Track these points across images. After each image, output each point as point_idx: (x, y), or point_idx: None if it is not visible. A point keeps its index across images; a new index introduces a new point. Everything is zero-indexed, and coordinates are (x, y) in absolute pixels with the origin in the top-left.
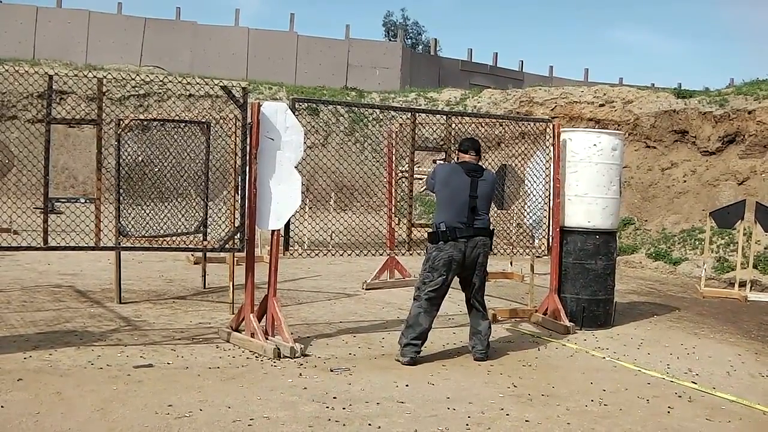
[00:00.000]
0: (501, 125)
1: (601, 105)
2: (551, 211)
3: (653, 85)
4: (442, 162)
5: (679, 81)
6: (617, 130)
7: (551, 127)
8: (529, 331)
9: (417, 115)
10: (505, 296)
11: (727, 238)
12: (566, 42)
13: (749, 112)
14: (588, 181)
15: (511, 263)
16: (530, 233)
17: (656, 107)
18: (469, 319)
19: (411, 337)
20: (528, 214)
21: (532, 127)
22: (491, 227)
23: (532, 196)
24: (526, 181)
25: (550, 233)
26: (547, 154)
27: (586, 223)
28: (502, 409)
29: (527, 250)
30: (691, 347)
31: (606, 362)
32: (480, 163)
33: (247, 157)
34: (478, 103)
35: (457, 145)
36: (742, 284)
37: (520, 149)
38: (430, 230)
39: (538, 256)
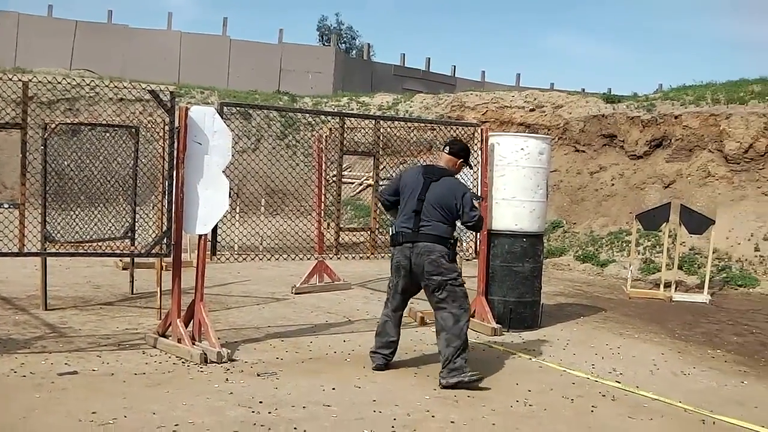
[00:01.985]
0: (432, 130)
1: (532, 110)
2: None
3: (583, 90)
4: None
5: (609, 86)
6: (547, 134)
7: (479, 131)
8: None
9: (349, 119)
10: None
11: (653, 239)
12: (498, 47)
13: (676, 117)
14: (515, 184)
15: None
16: (458, 236)
17: (585, 112)
18: None
19: (377, 345)
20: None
21: (461, 132)
22: (448, 235)
23: None
24: None
25: (478, 236)
26: (475, 158)
27: (514, 226)
28: (428, 411)
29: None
30: (616, 347)
31: (532, 363)
32: (455, 166)
33: (175, 162)
34: (411, 107)
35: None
36: (668, 285)
37: None
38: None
39: (466, 259)
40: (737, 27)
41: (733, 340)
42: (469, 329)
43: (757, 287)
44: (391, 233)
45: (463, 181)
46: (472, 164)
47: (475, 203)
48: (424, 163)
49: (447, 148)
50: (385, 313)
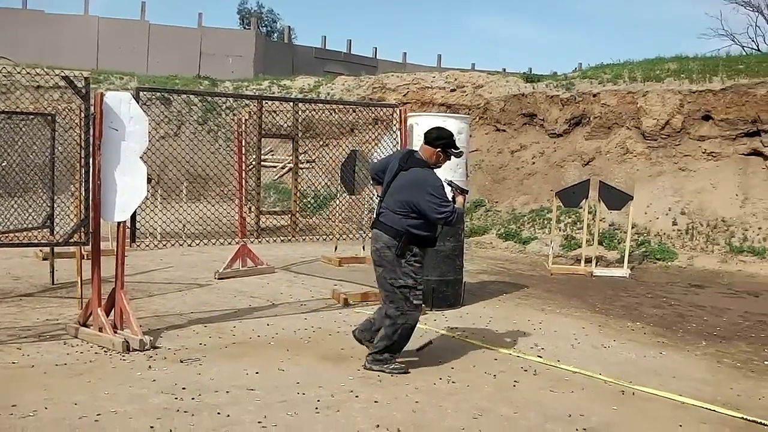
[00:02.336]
0: (354, 112)
1: (453, 90)
2: None
3: (504, 70)
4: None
5: (530, 66)
6: (468, 114)
7: (398, 112)
8: None
9: (271, 103)
10: (358, 280)
11: (573, 216)
12: (420, 29)
13: (594, 95)
14: None
15: (363, 247)
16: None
17: (506, 91)
18: None
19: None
20: (376, 198)
21: (383, 113)
22: (400, 227)
23: None
24: None
25: None
26: (394, 139)
27: None
28: (352, 392)
29: None
30: (537, 323)
31: (455, 341)
32: (433, 157)
33: (91, 149)
34: (332, 90)
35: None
36: (588, 260)
37: (373, 135)
38: None
39: None
40: (655, 6)
41: (652, 313)
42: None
43: (675, 260)
44: None
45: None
46: (391, 144)
47: (456, 196)
48: (414, 148)
49: (425, 138)
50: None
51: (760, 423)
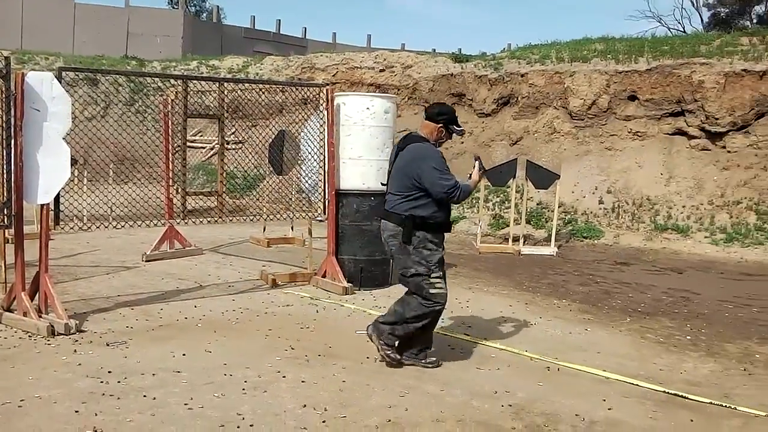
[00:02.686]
0: (283, 92)
1: (382, 70)
2: (326, 174)
3: (434, 50)
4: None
5: (460, 46)
6: (397, 94)
7: (325, 91)
8: (309, 294)
9: (198, 83)
10: (286, 261)
11: (502, 195)
12: (349, 9)
13: (522, 75)
14: (362, 144)
15: (292, 228)
16: (308, 197)
17: (435, 71)
18: None
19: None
20: (305, 178)
21: (311, 93)
22: (403, 211)
23: (308, 160)
24: (302, 146)
25: (326, 196)
26: (322, 119)
27: (361, 185)
28: (279, 372)
29: (305, 214)
30: (465, 301)
31: None
32: (434, 133)
33: (12, 130)
34: (261, 70)
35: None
36: (516, 239)
37: (302, 115)
38: None
39: (320, 221)
40: None
41: (578, 290)
42: (321, 289)
43: (601, 238)
44: None
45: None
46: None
47: (473, 174)
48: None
49: (425, 112)
50: None
51: (681, 396)
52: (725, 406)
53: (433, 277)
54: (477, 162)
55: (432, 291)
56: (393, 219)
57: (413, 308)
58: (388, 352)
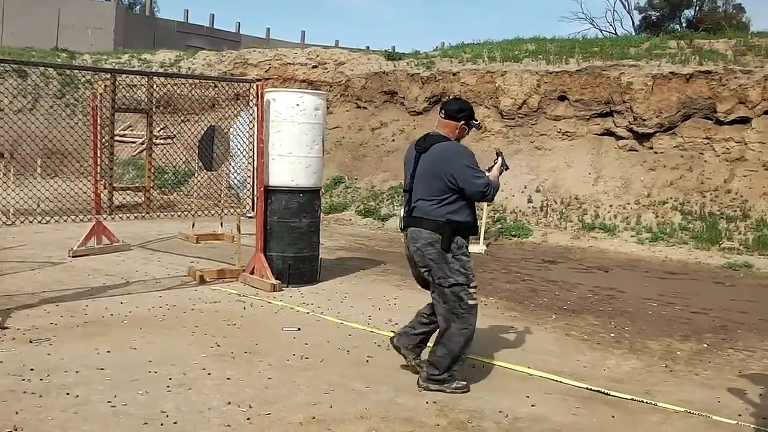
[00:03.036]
0: (215, 87)
1: (315, 67)
2: (255, 171)
3: (368, 47)
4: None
5: (394, 44)
6: (330, 91)
7: (255, 87)
8: (237, 291)
9: (129, 77)
10: (215, 257)
11: None
12: (284, 4)
13: (454, 74)
14: (291, 140)
15: (221, 224)
16: (237, 193)
17: (367, 69)
18: None
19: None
20: (234, 174)
21: (243, 89)
22: (438, 217)
23: (237, 156)
24: (231, 142)
25: (255, 193)
26: (251, 115)
27: (290, 181)
28: (204, 369)
29: (234, 211)
30: (393, 298)
31: (310, 317)
32: (455, 131)
33: None
34: (193, 64)
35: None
36: None
37: (234, 110)
38: None
39: (250, 217)
40: None
41: (505, 288)
42: (249, 286)
43: (529, 237)
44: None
45: (240, 134)
46: (248, 120)
47: (493, 169)
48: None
49: (442, 111)
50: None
51: (603, 392)
52: (646, 402)
53: (472, 287)
54: (500, 157)
55: (470, 302)
56: (428, 225)
57: (457, 339)
58: (458, 389)
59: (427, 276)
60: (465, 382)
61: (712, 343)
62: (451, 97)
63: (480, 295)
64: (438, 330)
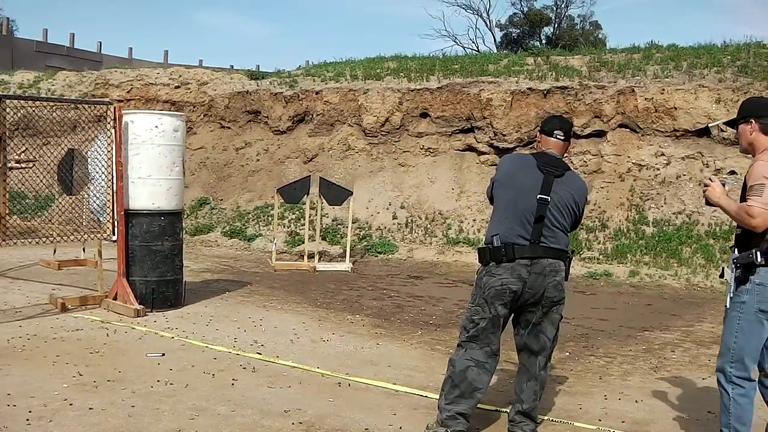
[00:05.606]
0: (76, 109)
1: (177, 87)
2: (115, 194)
3: (232, 66)
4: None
5: (258, 63)
6: (193, 111)
7: (112, 109)
8: (100, 318)
9: None
10: (77, 284)
11: (297, 212)
12: (146, 24)
13: (317, 93)
14: (151, 163)
15: (84, 249)
16: (97, 218)
17: (230, 88)
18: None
19: (467, 406)
20: (93, 198)
21: (95, 111)
22: (568, 250)
23: (96, 179)
24: (89, 165)
25: (115, 217)
26: (110, 137)
27: (151, 205)
28: (66, 400)
29: (95, 235)
30: (258, 319)
31: (174, 342)
32: (566, 156)
33: None
34: (53, 85)
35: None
36: (312, 256)
37: (95, 133)
38: (481, 246)
39: (113, 241)
40: (378, 5)
41: (372, 305)
42: (112, 312)
43: (395, 253)
44: (490, 246)
45: (99, 157)
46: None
47: None
48: (531, 151)
49: (559, 132)
50: (474, 359)
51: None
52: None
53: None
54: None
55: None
56: (562, 257)
57: (547, 367)
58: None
59: (554, 308)
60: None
61: (574, 351)
62: (549, 116)
63: (346, 313)
64: (534, 367)
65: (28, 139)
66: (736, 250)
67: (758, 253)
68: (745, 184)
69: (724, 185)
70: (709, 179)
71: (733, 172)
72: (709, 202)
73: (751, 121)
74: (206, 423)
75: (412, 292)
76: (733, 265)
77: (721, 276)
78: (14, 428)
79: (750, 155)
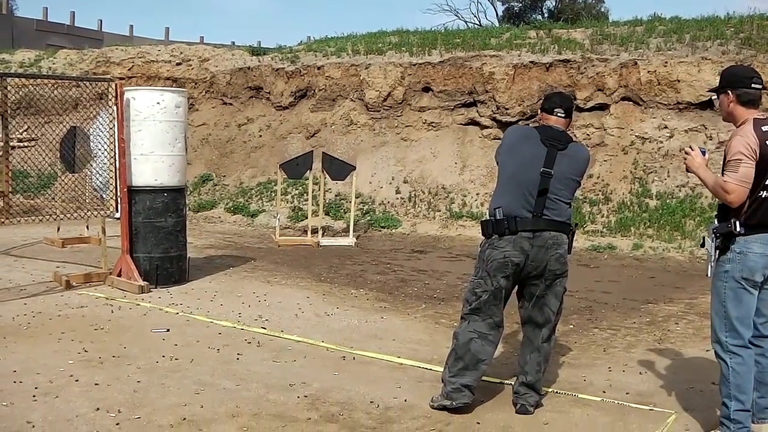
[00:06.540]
0: (78, 86)
1: (179, 63)
2: (117, 171)
3: (233, 43)
4: None
5: (259, 39)
6: (195, 88)
7: (113, 86)
8: (104, 294)
9: None
10: (81, 261)
11: (300, 188)
12: (147, 1)
13: (319, 68)
14: (153, 139)
15: (87, 227)
16: (100, 195)
17: (232, 65)
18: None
19: (469, 379)
20: (96, 175)
21: (97, 87)
22: (571, 222)
23: (99, 157)
24: (92, 142)
25: (118, 194)
26: (112, 114)
27: (154, 181)
28: (72, 376)
29: (99, 212)
30: (263, 295)
31: (179, 317)
32: (568, 130)
33: None
34: (54, 64)
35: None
36: (315, 231)
37: (97, 110)
38: (484, 219)
39: (116, 218)
40: None
41: (375, 279)
42: (117, 289)
43: (399, 228)
44: (492, 219)
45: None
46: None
47: None
48: (534, 124)
49: (560, 110)
50: (477, 331)
51: None
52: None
53: None
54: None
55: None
56: (565, 230)
57: (551, 339)
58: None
59: (547, 285)
60: None
61: (578, 324)
62: (549, 93)
63: (350, 287)
64: (537, 339)
65: (30, 117)
66: (716, 219)
67: (737, 222)
68: (725, 156)
69: (704, 153)
70: (690, 147)
71: None
72: (689, 170)
73: (728, 92)
74: (212, 397)
75: (415, 266)
76: (713, 235)
77: (702, 245)
78: (21, 404)
79: (733, 125)
